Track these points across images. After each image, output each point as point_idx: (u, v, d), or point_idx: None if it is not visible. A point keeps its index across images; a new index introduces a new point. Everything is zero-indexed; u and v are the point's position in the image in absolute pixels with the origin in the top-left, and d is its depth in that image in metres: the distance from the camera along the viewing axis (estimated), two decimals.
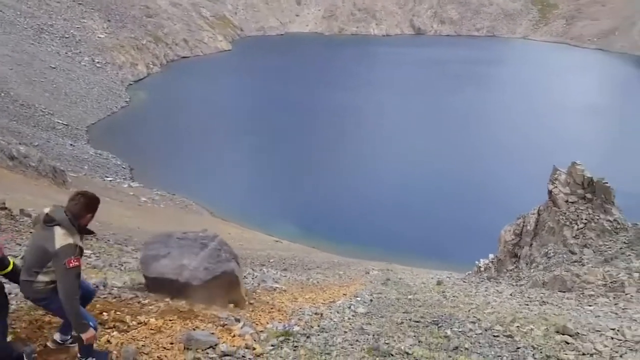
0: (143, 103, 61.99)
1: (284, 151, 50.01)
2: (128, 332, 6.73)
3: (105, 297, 8.05)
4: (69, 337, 5.83)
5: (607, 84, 78.57)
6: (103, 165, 42.82)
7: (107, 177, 40.37)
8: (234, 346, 6.76)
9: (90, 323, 5.33)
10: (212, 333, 7.09)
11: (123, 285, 9.01)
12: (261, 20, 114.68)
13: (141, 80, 71.12)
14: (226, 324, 7.69)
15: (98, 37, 72.48)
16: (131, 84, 68.20)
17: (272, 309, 9.43)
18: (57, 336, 5.86)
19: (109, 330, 6.65)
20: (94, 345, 5.55)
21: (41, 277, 5.07)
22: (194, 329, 7.19)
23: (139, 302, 8.18)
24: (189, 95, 65.94)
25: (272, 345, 7.00)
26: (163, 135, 51.71)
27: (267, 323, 8.25)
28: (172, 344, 6.60)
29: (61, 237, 4.94)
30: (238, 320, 7.98)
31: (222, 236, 10.11)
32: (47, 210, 5.12)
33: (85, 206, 5.17)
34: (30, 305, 6.31)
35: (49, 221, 5.02)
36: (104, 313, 7.19)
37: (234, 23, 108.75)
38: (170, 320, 7.44)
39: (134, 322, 7.10)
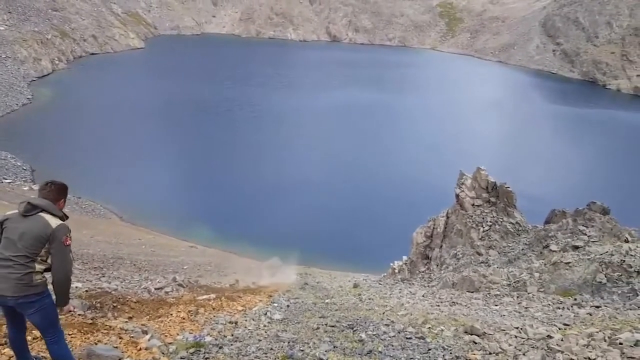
0: (47, 100, 58.07)
1: (197, 151, 48.72)
2: None
3: None
4: None
5: (505, 92, 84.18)
6: (1, 167, 39.60)
7: (6, 179, 37.43)
8: None
9: None
10: (116, 347, 6.65)
11: None
12: (176, 19, 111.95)
13: (45, 76, 66.77)
14: (132, 337, 7.24)
15: None
16: (34, 80, 63.77)
17: (183, 319, 9.02)
18: None
19: (0, 347, 6.05)
20: None
21: (38, 266, 5.09)
22: (95, 343, 6.72)
23: None
24: (97, 93, 62.60)
25: (181, 358, 6.69)
26: (68, 135, 48.60)
27: (177, 334, 7.87)
28: None
29: (52, 220, 5.13)
30: (145, 332, 7.56)
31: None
32: (23, 202, 5.18)
33: (58, 191, 5.36)
34: None
35: (31, 209, 5.12)
36: None
37: (147, 21, 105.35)
38: (69, 335, 6.91)
39: (29, 337, 6.52)
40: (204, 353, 6.93)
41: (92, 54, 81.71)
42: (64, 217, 5.32)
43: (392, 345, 7.72)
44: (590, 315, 10.49)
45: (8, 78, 59.45)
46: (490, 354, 7.29)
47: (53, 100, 58.59)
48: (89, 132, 50.35)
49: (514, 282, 14.11)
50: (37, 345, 6.38)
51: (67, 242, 5.13)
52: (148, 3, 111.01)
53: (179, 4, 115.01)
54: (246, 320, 9.40)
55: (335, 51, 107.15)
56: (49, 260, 5.15)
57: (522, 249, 17.55)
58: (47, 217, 5.12)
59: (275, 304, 11.63)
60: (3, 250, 5.01)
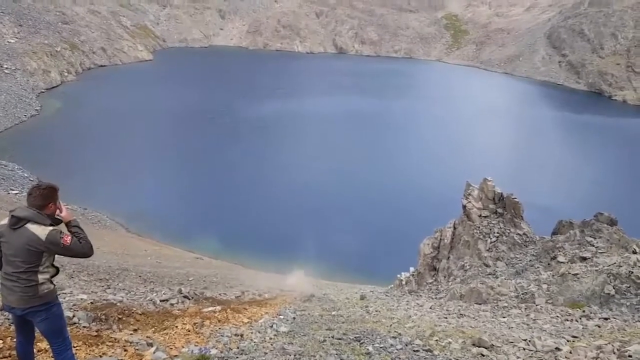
0: (55, 112, 58.63)
1: (203, 164, 48.86)
2: None
3: (2, 323, 7.34)
4: None
5: (512, 103, 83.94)
6: (8, 178, 39.83)
7: (13, 190, 37.61)
8: None
9: None
10: (121, 359, 6.62)
11: None
12: (184, 32, 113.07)
13: (54, 88, 67.53)
14: (137, 349, 7.21)
15: (7, 42, 68.02)
16: (43, 92, 64.47)
17: (188, 331, 8.98)
18: None
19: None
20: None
21: (42, 277, 5.03)
22: (100, 356, 6.69)
23: None
24: (105, 105, 63.06)
25: None
26: (75, 146, 48.97)
27: (183, 347, 7.82)
28: None
29: (39, 230, 4.95)
30: (150, 345, 7.51)
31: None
32: (12, 210, 5.03)
33: (43, 198, 5.11)
34: None
35: (17, 222, 4.96)
36: (0, 340, 6.52)
37: (156, 33, 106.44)
38: (74, 347, 6.86)
39: (34, 349, 6.51)
40: None
41: (101, 66, 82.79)
42: (52, 223, 5.11)
43: (400, 358, 7.65)
44: (599, 327, 10.37)
45: (17, 90, 60.10)
46: None
47: (61, 111, 59.14)
48: (96, 143, 50.69)
49: (522, 294, 13.99)
50: (41, 358, 6.37)
51: (67, 241, 4.97)
52: (157, 16, 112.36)
53: (187, 16, 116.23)
54: (252, 333, 9.33)
55: (341, 62, 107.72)
56: (55, 264, 5.15)
57: (530, 260, 17.41)
58: (34, 227, 4.94)
59: (282, 316, 11.56)
60: (6, 266, 5.01)
